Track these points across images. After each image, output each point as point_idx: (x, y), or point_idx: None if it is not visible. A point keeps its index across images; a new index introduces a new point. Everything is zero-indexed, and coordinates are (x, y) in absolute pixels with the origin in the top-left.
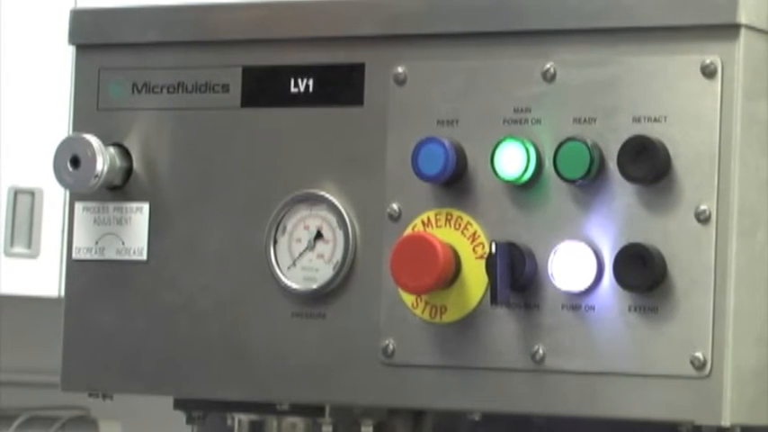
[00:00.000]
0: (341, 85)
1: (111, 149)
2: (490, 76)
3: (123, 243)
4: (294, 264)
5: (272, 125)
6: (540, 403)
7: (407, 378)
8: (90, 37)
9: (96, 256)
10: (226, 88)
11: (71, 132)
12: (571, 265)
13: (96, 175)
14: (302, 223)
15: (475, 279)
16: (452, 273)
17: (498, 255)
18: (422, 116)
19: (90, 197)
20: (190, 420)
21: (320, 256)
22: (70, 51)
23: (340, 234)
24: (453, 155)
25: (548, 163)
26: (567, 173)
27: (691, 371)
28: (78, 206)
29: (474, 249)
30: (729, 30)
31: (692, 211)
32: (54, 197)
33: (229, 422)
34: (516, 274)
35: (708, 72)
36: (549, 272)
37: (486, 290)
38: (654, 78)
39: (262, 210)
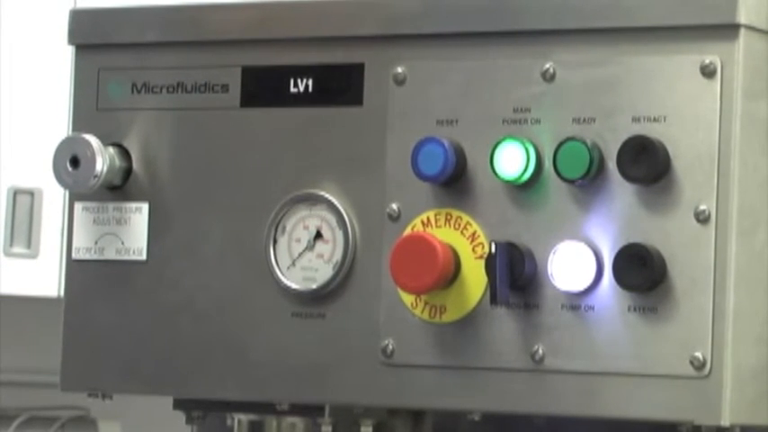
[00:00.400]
0: (340, 85)
1: (111, 149)
2: (490, 76)
3: (123, 243)
4: (294, 264)
5: (271, 125)
6: (540, 403)
7: (407, 378)
8: (89, 37)
9: (96, 256)
10: (225, 88)
11: (71, 132)
12: (571, 265)
13: (96, 175)
14: (302, 223)
15: (474, 279)
16: (452, 273)
17: (498, 255)
18: (421, 116)
19: (89, 197)
20: (189, 420)
21: (320, 256)
22: (70, 51)
23: (339, 234)
24: (453, 155)
25: (547, 163)
26: (567, 173)
27: (690, 371)
28: (78, 206)
29: (473, 249)
30: (729, 30)
31: (691, 211)
32: (54, 197)
33: (229, 422)
34: (516, 274)
35: (707, 72)
36: (549, 272)
37: (486, 290)
38: (653, 78)
39: (261, 210)
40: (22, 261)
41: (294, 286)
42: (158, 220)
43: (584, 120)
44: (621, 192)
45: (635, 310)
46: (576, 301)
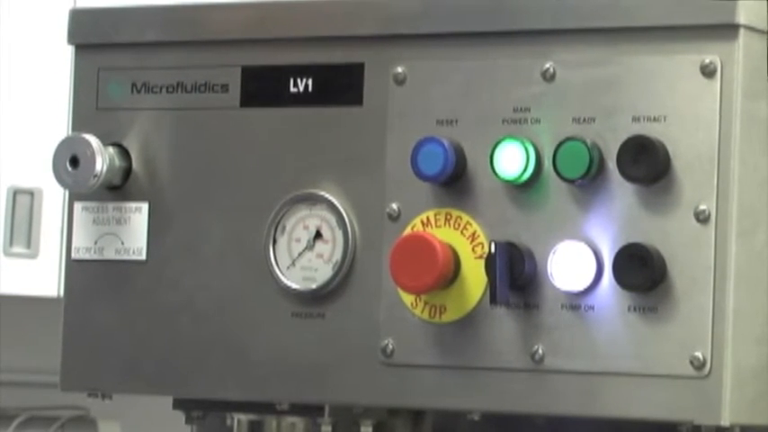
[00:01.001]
0: (340, 85)
1: (111, 149)
2: (489, 75)
3: (122, 243)
4: (293, 264)
5: (271, 125)
6: (540, 403)
7: (407, 378)
8: (89, 37)
9: (95, 256)
10: (225, 88)
11: (70, 132)
12: (570, 265)
13: (95, 175)
14: (301, 223)
15: (474, 279)
16: (452, 273)
17: (498, 254)
18: (421, 116)
19: (89, 197)
20: (189, 420)
21: (319, 255)
22: (70, 51)
23: (339, 234)
24: (453, 155)
25: (547, 163)
26: (567, 173)
27: (690, 371)
28: (77, 206)
29: (473, 249)
30: (729, 30)
31: (691, 210)
32: (53, 197)
33: (229, 422)
34: (516, 274)
35: (707, 72)
36: (549, 272)
37: (486, 290)
38: (653, 78)
39: (261, 210)
40: (22, 261)
41: (294, 286)
42: (158, 220)
43: (584, 120)
44: (621, 192)
45: (635, 309)
46: (576, 301)
